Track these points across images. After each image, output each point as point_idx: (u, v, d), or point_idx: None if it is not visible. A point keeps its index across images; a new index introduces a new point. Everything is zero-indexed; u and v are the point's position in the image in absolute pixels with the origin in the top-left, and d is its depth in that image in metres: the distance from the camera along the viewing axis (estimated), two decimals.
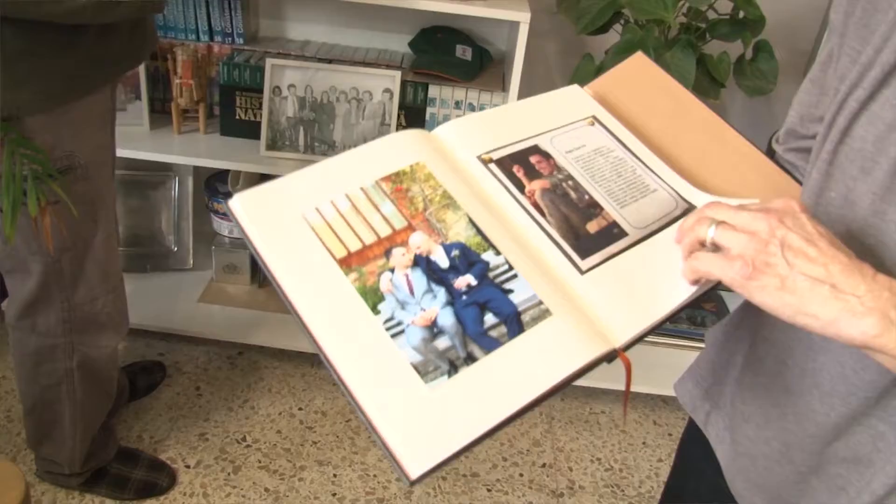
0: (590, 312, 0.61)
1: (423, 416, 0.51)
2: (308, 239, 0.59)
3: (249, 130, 2.01)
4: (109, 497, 1.66)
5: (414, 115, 1.98)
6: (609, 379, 2.08)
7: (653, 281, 0.64)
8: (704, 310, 2.28)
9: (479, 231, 0.63)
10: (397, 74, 1.92)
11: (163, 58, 2.01)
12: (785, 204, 0.57)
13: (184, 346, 2.17)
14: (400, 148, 0.68)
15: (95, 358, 1.49)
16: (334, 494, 1.78)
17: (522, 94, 1.72)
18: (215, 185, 2.28)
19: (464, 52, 2.00)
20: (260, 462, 1.84)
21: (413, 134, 0.70)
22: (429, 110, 1.98)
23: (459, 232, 0.63)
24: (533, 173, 0.71)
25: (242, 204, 0.60)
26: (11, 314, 1.43)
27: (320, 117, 1.96)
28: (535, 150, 0.74)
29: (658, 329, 0.62)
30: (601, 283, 0.63)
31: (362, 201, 0.63)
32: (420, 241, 0.61)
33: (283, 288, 0.56)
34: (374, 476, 1.84)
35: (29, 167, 1.07)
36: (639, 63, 0.89)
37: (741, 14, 1.75)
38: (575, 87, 0.84)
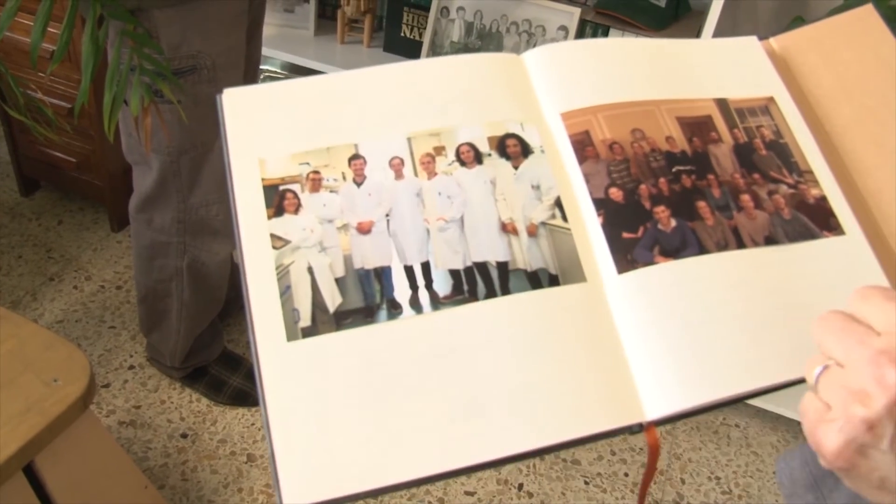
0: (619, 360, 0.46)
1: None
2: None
3: (412, 50, 1.89)
4: (205, 396, 1.68)
5: None
6: None
7: (745, 327, 0.47)
8: None
9: None
10: (577, 12, 1.71)
11: None
12: None
13: None
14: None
15: (206, 262, 1.47)
16: None
17: None
18: None
19: None
20: None
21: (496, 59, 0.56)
22: None
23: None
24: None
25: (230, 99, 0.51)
26: (132, 206, 1.43)
27: (486, 47, 1.80)
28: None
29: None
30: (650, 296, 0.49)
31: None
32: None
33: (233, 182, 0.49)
34: None
35: (137, 63, 1.01)
36: (861, 18, 0.63)
37: None
38: (752, 40, 0.61)
